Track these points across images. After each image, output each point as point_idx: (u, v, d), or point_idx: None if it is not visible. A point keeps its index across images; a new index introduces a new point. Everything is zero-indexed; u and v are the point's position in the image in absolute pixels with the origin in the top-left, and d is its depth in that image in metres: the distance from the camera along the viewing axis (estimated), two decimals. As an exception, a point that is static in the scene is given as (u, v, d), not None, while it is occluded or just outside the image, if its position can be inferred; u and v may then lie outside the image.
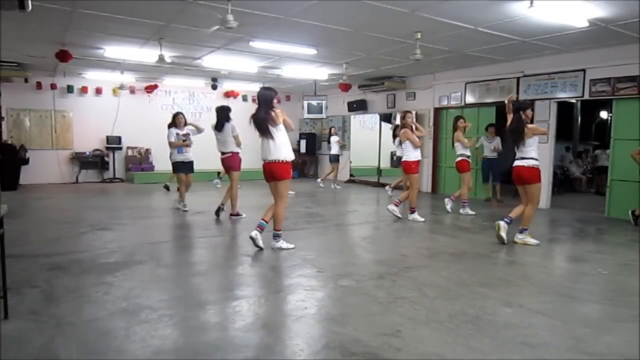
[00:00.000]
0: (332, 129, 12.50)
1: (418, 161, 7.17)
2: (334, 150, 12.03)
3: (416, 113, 11.33)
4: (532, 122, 5.65)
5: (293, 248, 5.15)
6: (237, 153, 7.11)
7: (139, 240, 5.65)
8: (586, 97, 8.09)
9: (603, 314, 3.47)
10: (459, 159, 7.92)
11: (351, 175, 13.78)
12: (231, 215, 7.08)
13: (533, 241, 5.57)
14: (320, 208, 8.59)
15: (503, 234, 5.51)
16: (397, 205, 7.32)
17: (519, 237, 5.60)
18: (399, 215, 7.25)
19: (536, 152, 5.53)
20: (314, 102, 12.75)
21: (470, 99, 10.14)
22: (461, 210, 7.92)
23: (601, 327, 3.14)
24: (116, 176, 12.67)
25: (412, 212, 7.19)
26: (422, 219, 7.09)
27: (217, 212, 7.10)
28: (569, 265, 5.10)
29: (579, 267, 4.87)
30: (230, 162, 7.08)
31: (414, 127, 7.16)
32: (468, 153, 7.95)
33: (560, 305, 3.58)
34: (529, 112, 5.60)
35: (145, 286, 3.88)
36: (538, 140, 5.60)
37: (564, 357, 2.69)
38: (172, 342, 2.83)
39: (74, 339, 2.83)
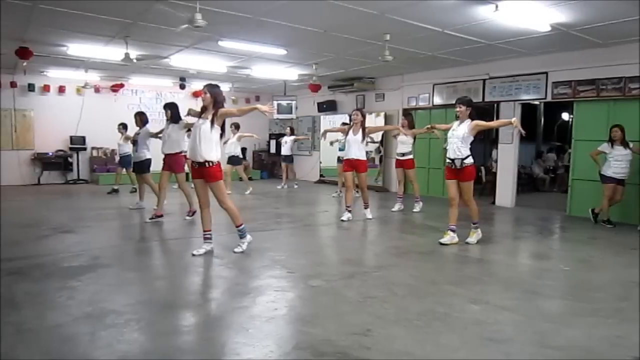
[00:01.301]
0: (289, 129, 12.54)
1: (345, 159, 7.19)
2: (285, 150, 12.07)
3: (385, 114, 11.49)
4: (473, 119, 5.47)
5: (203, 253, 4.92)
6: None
7: (104, 243, 5.51)
8: (549, 99, 8.35)
9: (565, 309, 3.58)
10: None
11: (321, 175, 13.80)
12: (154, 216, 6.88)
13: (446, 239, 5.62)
14: (289, 209, 8.57)
15: (452, 239, 5.57)
16: (366, 208, 7.37)
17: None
18: (370, 217, 7.29)
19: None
20: (284, 103, 12.73)
21: (437, 100, 10.32)
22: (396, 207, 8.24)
23: (563, 322, 3.24)
24: (80, 177, 12.33)
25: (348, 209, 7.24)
26: (345, 219, 7.15)
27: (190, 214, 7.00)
28: (532, 262, 5.25)
29: (542, 264, 5.02)
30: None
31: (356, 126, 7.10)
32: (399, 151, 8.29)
33: (524, 302, 3.68)
34: (456, 107, 5.53)
35: (111, 290, 3.79)
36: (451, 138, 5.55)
37: (528, 351, 2.77)
38: (139, 346, 2.77)
39: (36, 346, 2.74)
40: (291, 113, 12.85)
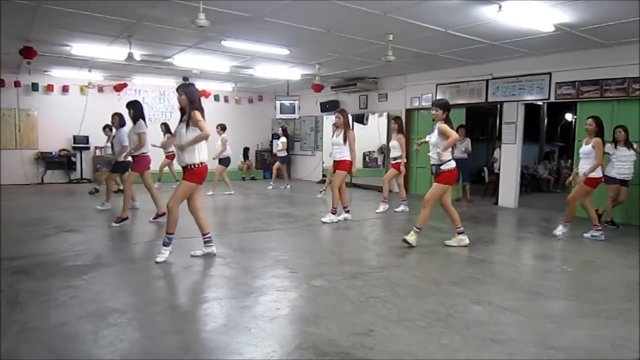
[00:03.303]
0: (280, 129, 12.47)
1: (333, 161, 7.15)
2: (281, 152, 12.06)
3: (388, 114, 11.49)
4: (448, 123, 5.30)
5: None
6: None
7: (107, 242, 5.53)
8: (552, 99, 8.32)
9: (568, 310, 3.57)
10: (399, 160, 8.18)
11: (323, 175, 13.79)
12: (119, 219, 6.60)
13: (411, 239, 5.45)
14: (292, 208, 8.57)
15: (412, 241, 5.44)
16: (332, 213, 7.14)
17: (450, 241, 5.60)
18: (327, 221, 7.02)
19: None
20: (287, 103, 12.73)
21: (441, 100, 10.28)
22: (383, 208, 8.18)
23: (566, 323, 3.24)
24: (83, 177, 12.35)
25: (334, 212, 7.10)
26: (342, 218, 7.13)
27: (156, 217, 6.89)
28: (535, 262, 5.23)
29: (545, 264, 5.01)
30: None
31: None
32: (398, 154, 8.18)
33: (527, 302, 3.67)
34: (432, 110, 5.43)
35: (114, 289, 3.80)
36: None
37: (531, 352, 2.76)
38: (141, 345, 2.78)
39: (39, 344, 2.75)
40: (294, 113, 12.86)
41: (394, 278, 4.22)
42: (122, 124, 7.43)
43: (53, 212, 7.61)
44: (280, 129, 12.66)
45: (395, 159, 8.20)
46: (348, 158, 7.00)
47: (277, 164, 12.17)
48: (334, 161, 7.17)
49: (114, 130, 7.60)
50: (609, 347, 2.86)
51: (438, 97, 10.18)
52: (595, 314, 3.41)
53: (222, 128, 10.29)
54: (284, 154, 12.16)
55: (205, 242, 4.90)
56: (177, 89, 4.65)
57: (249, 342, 2.82)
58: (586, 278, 4.50)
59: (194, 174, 4.61)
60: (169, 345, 2.78)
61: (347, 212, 7.27)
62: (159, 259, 4.61)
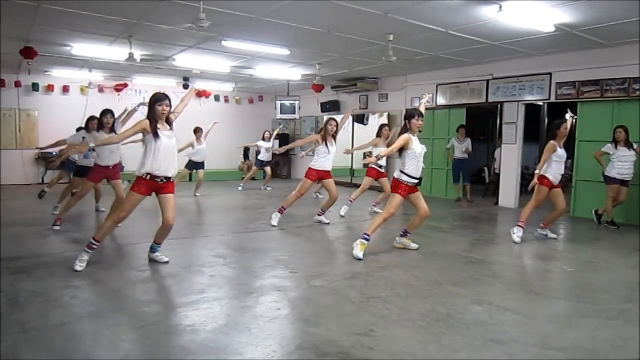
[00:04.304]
0: (266, 133, 11.91)
1: (320, 169, 6.81)
2: (264, 156, 11.56)
3: (388, 114, 11.49)
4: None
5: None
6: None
7: (107, 242, 5.51)
8: (552, 99, 8.33)
9: (568, 310, 3.57)
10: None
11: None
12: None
13: (413, 245, 5.35)
14: (292, 208, 8.55)
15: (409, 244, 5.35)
16: (322, 214, 7.14)
17: (398, 241, 5.44)
18: (327, 221, 7.06)
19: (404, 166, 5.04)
20: (287, 103, 12.72)
21: (441, 100, 10.30)
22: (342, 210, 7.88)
23: (567, 323, 3.23)
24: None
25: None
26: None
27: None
28: (536, 263, 5.23)
29: (546, 265, 5.01)
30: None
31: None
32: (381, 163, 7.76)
33: (527, 302, 3.67)
34: (420, 121, 5.14)
35: (114, 289, 3.80)
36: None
37: (531, 352, 2.76)
38: (141, 346, 2.78)
39: (39, 344, 2.75)
40: (294, 113, 12.85)
41: (394, 278, 4.23)
42: (98, 128, 6.84)
43: (53, 212, 7.60)
44: (267, 132, 12.00)
45: (381, 167, 7.90)
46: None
47: (267, 167, 11.96)
48: (324, 171, 6.83)
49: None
50: (609, 348, 2.86)
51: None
52: (595, 314, 3.41)
53: (201, 131, 10.00)
54: (266, 157, 11.68)
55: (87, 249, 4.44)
56: (165, 100, 4.30)
57: (249, 342, 2.82)
58: (586, 278, 4.50)
59: (174, 185, 4.54)
60: (169, 345, 2.78)
61: (281, 213, 7.04)
62: (164, 260, 4.66)
